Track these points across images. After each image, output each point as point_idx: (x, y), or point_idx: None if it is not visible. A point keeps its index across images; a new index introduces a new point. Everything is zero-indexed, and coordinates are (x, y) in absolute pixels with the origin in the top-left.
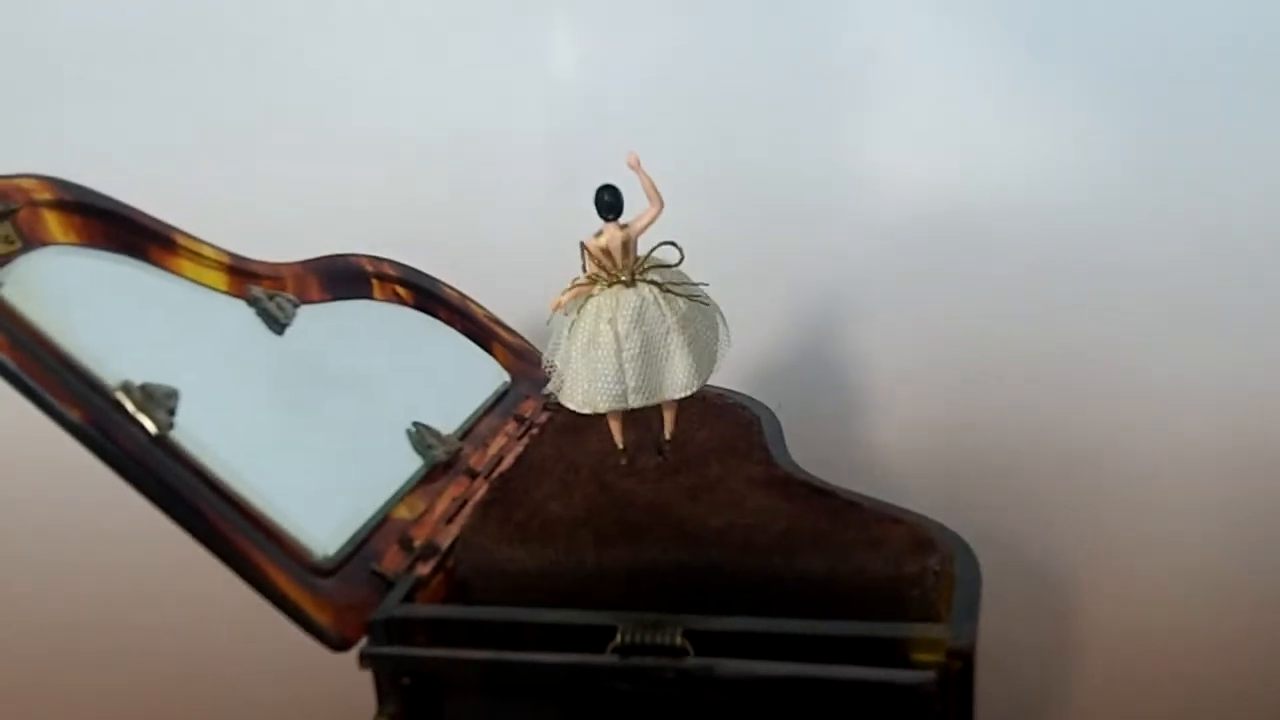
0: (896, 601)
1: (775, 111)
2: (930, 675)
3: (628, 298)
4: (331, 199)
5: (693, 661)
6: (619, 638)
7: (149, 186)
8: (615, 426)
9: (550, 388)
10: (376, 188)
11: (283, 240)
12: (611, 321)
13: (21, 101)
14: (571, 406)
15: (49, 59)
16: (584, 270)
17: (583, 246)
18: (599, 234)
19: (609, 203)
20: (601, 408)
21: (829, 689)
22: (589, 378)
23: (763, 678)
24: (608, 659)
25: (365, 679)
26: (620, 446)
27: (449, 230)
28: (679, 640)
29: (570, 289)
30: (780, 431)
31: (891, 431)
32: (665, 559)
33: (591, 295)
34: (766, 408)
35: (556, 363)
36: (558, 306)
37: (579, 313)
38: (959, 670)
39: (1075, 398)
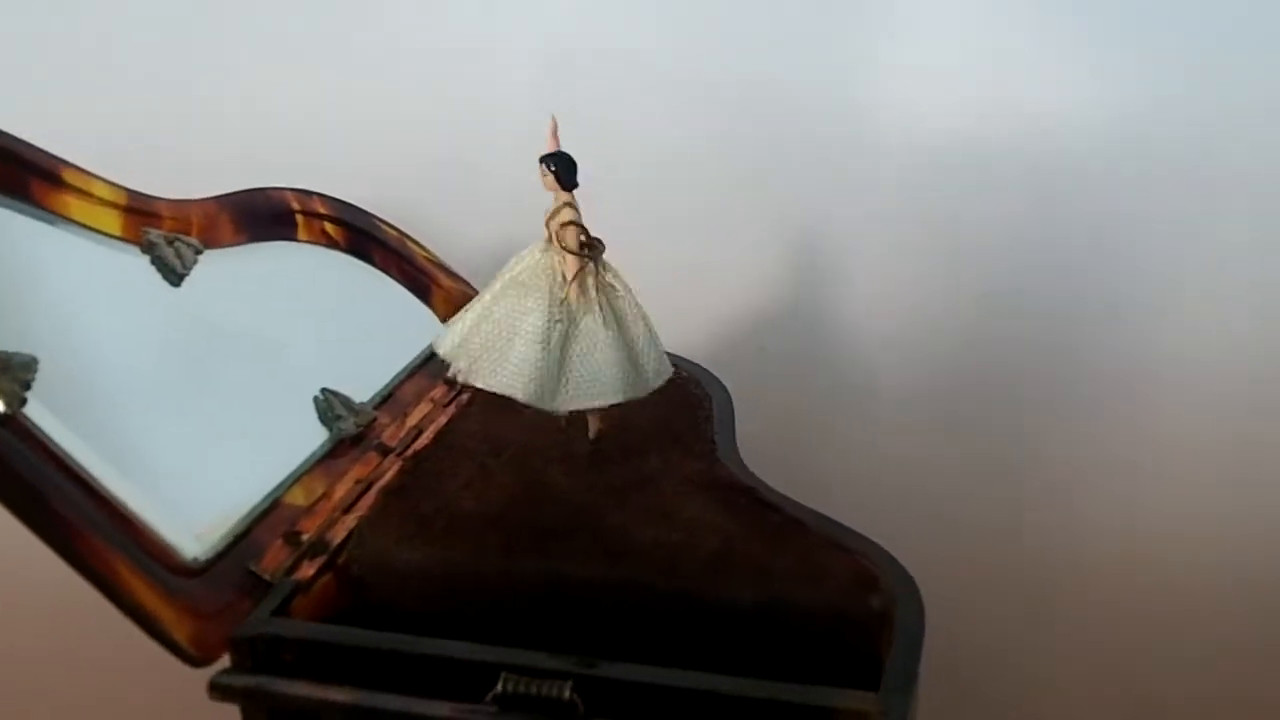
0: (833, 642)
1: (779, 47)
2: None
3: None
4: (312, 127)
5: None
6: (500, 687)
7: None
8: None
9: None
10: (343, 158)
11: (250, 172)
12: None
13: None
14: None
15: None
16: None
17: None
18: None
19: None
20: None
21: None
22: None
23: None
24: (485, 709)
25: None
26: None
27: (435, 156)
28: (567, 695)
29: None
30: (731, 415)
31: (886, 382)
32: (581, 573)
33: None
34: (721, 385)
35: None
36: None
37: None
38: None
39: (1081, 350)
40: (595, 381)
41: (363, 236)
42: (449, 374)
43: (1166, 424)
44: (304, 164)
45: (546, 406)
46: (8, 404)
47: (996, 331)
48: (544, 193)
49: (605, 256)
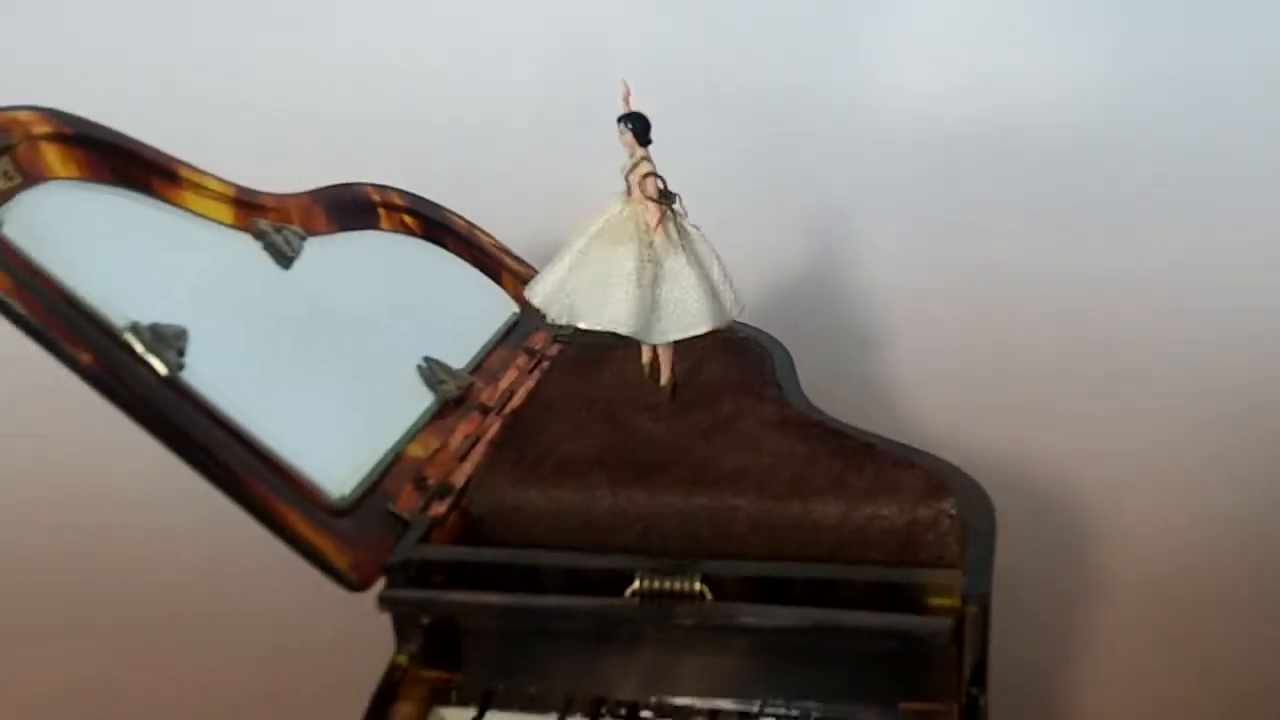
0: (911, 547)
1: (787, 32)
2: (947, 622)
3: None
4: (330, 128)
5: (711, 607)
6: (638, 583)
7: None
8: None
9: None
10: (375, 116)
11: (273, 172)
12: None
13: None
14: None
15: None
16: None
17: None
18: (647, 159)
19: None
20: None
21: (846, 634)
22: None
23: (781, 626)
24: (627, 603)
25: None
26: (660, 372)
27: (447, 161)
28: (697, 586)
29: (659, 218)
30: (793, 367)
31: (903, 355)
32: (681, 502)
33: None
34: (779, 343)
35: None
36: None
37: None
38: (974, 616)
39: (1090, 322)
40: (686, 314)
41: (436, 226)
42: (548, 320)
43: (1168, 380)
44: (317, 157)
45: (645, 339)
46: (169, 369)
47: (1005, 296)
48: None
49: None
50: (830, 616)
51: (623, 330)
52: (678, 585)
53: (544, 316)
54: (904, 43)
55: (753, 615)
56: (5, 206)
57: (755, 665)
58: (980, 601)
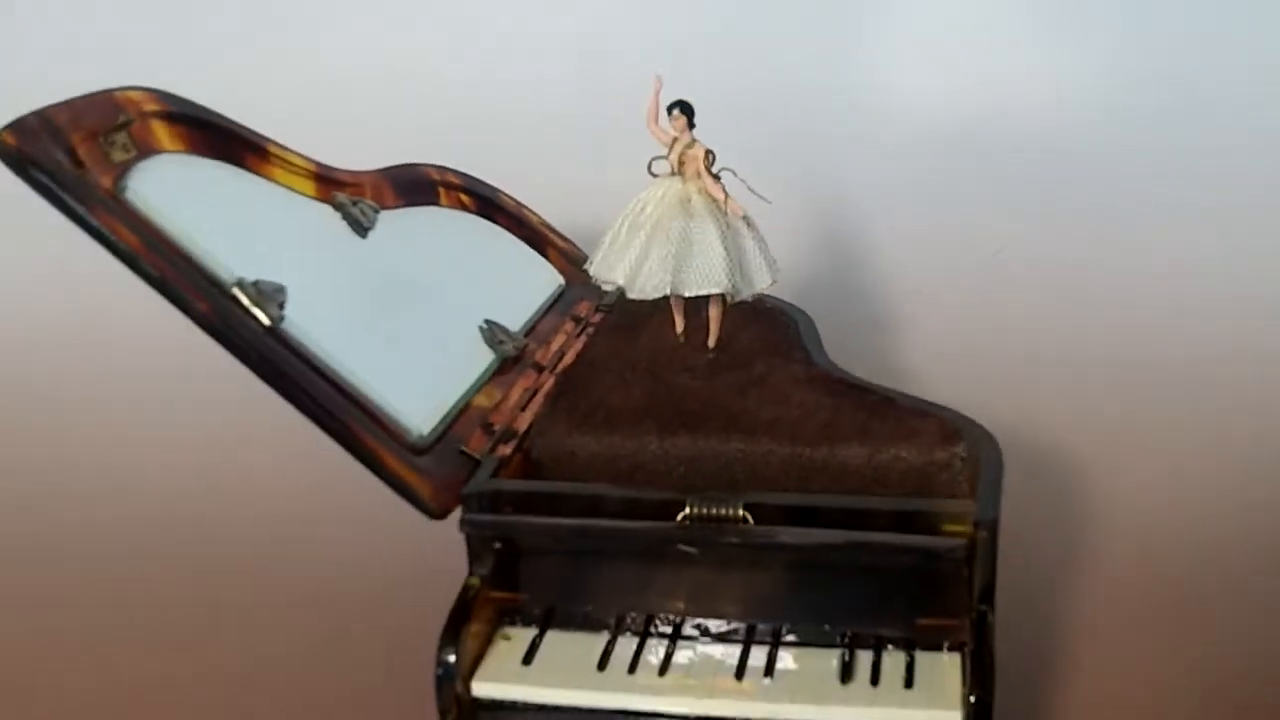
0: (927, 485)
1: (796, 36)
2: (961, 542)
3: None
4: (364, 124)
5: (753, 528)
6: (688, 509)
7: None
8: (679, 314)
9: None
10: (407, 114)
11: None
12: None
13: None
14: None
15: None
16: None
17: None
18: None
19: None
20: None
21: (872, 551)
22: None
23: (816, 543)
24: (680, 525)
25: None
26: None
27: (477, 156)
28: (741, 512)
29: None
30: (817, 334)
31: (908, 343)
32: (722, 447)
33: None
34: (803, 312)
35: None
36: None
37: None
38: (984, 539)
39: (1085, 307)
40: (758, 272)
41: (488, 204)
42: (628, 295)
43: (1165, 366)
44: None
45: (741, 295)
46: (272, 321)
47: (1005, 285)
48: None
49: None
50: (859, 535)
51: (721, 289)
52: (724, 511)
53: (621, 291)
54: (907, 45)
55: (790, 535)
56: (126, 175)
57: (789, 585)
58: (990, 527)
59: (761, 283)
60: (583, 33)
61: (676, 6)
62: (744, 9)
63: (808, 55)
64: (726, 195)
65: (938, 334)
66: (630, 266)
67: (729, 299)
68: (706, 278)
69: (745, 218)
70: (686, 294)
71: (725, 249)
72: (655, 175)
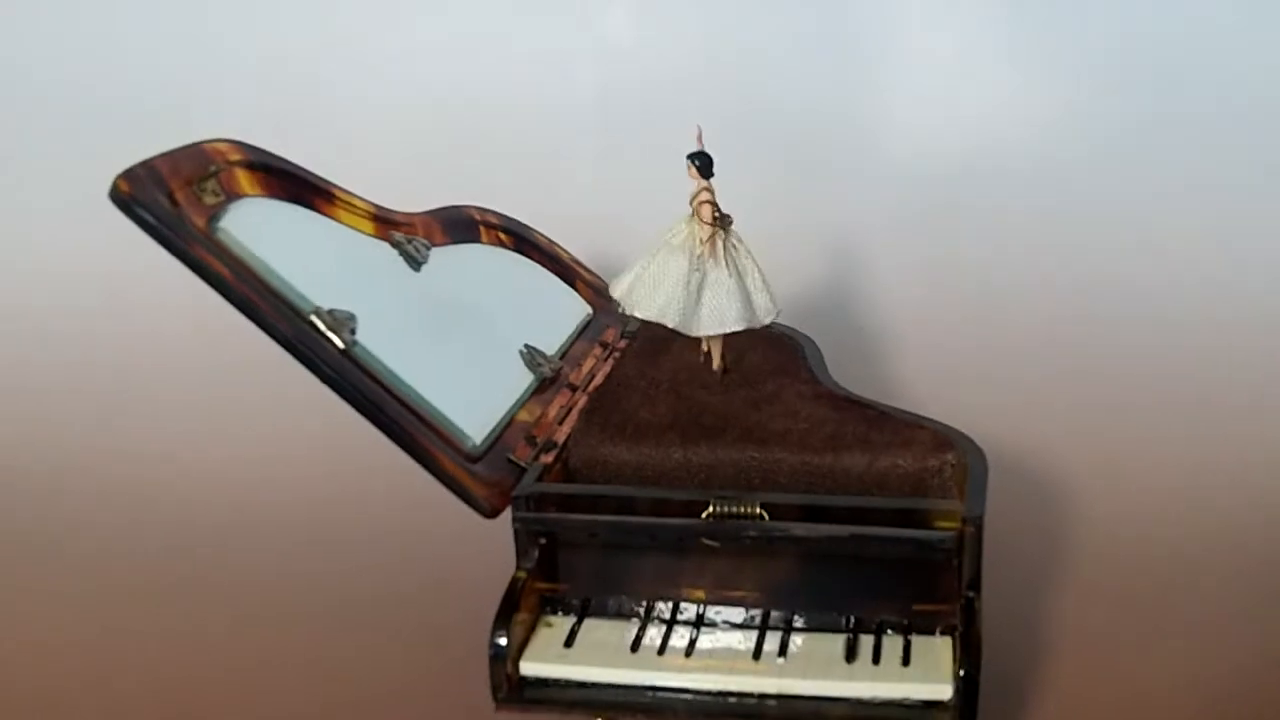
0: (921, 488)
1: (804, 77)
2: (951, 535)
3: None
4: (388, 161)
5: (769, 524)
6: (711, 508)
7: None
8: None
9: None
10: (429, 151)
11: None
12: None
13: None
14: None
15: None
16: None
17: (712, 204)
18: (707, 189)
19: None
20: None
21: (874, 542)
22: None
23: (824, 536)
24: (704, 522)
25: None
26: (712, 359)
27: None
28: (758, 509)
29: (709, 237)
30: (821, 357)
31: (905, 368)
32: (738, 455)
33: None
34: (808, 337)
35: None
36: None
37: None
38: (971, 534)
39: (1067, 333)
40: (720, 315)
41: (524, 241)
42: (619, 310)
43: (1153, 382)
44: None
45: (685, 331)
46: (345, 345)
47: (997, 312)
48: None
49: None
50: (861, 529)
51: (667, 323)
52: (742, 509)
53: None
54: (913, 84)
55: (801, 529)
56: (216, 217)
57: (799, 575)
58: (976, 523)
59: (721, 325)
60: (612, 67)
61: (690, 49)
62: (750, 48)
63: (825, 94)
64: (710, 239)
65: (931, 357)
66: (624, 286)
67: (686, 332)
68: (649, 305)
69: (736, 265)
70: (636, 315)
71: (681, 285)
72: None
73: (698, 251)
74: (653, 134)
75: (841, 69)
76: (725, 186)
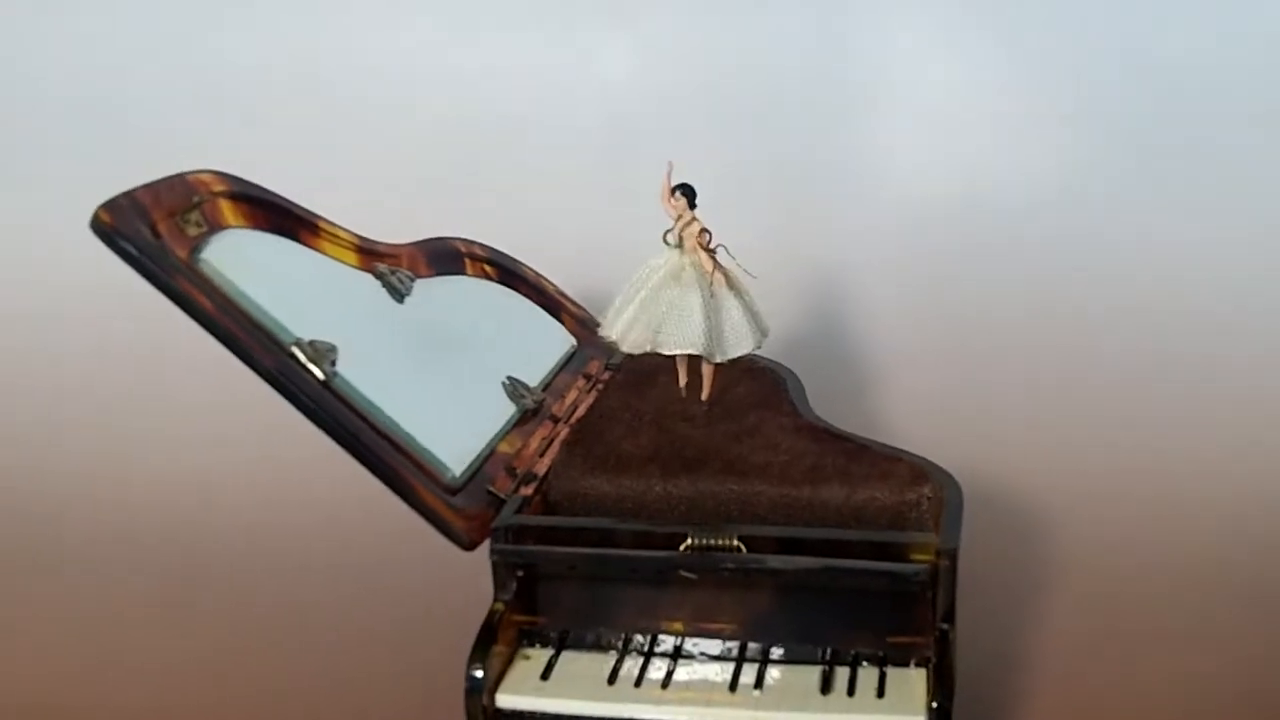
0: (898, 521)
1: (797, 119)
2: (925, 568)
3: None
4: (382, 192)
5: (746, 556)
6: (690, 540)
7: None
8: (683, 371)
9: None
10: (427, 181)
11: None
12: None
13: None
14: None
15: None
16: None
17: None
18: (696, 219)
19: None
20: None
21: (850, 575)
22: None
23: (801, 569)
24: (683, 554)
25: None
26: (702, 389)
27: (498, 225)
28: (735, 542)
29: (714, 265)
30: (803, 390)
31: (890, 403)
32: (719, 488)
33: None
34: (791, 371)
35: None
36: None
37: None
38: (946, 566)
39: (1061, 370)
40: (739, 338)
41: (509, 274)
42: (623, 350)
43: (1131, 405)
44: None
45: (711, 358)
46: (326, 376)
47: (985, 346)
48: None
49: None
50: (837, 562)
51: (697, 351)
52: (720, 541)
53: (616, 348)
54: (907, 119)
55: (778, 561)
56: (199, 248)
57: (776, 607)
58: (950, 556)
59: (744, 347)
60: (611, 101)
61: (688, 90)
62: (746, 82)
63: (806, 127)
64: (715, 267)
65: (913, 395)
66: (622, 326)
67: (711, 359)
68: (683, 339)
69: (735, 288)
70: (665, 352)
71: (704, 316)
72: (669, 244)
73: (708, 281)
74: (646, 168)
75: (836, 104)
76: (719, 220)
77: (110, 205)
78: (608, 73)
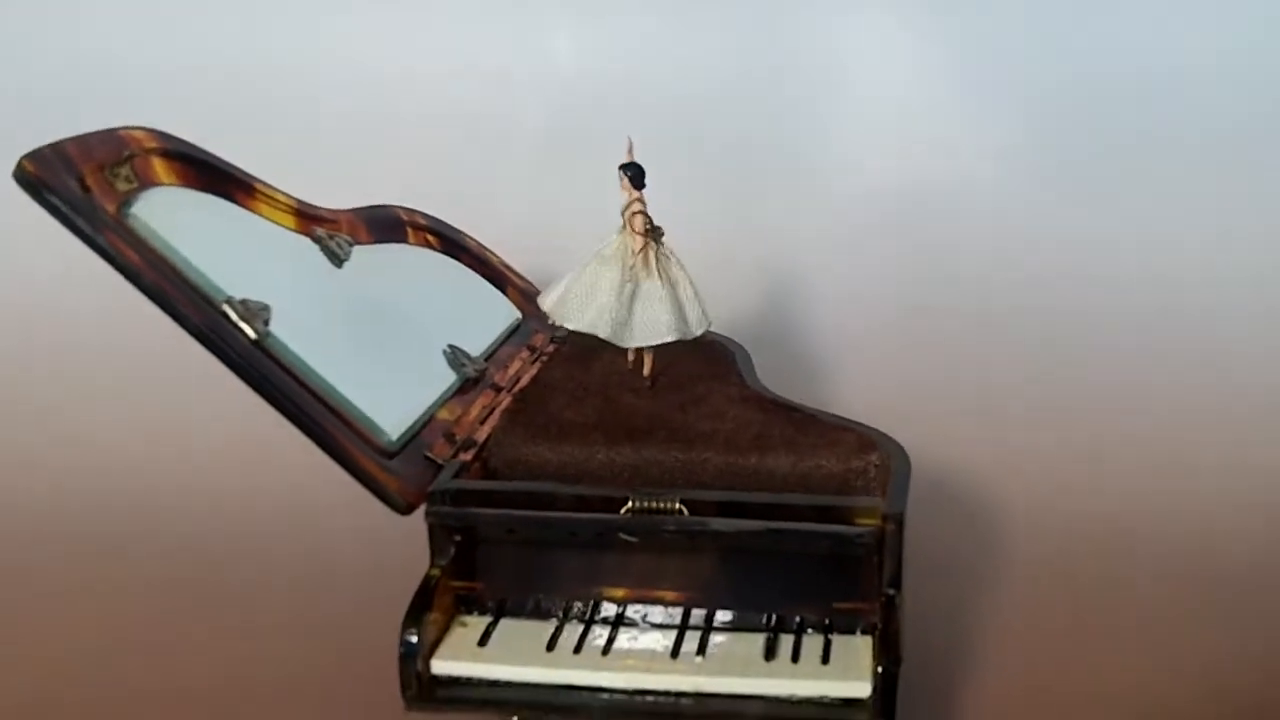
0: (846, 489)
1: (751, 107)
2: (871, 530)
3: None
4: (331, 179)
5: (688, 518)
6: (630, 503)
7: None
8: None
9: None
10: (375, 170)
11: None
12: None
13: None
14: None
15: None
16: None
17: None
18: (639, 200)
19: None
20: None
21: (794, 537)
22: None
23: (743, 531)
24: (622, 517)
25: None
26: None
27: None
28: (677, 505)
29: (640, 248)
30: (751, 363)
31: (843, 395)
32: (663, 456)
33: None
34: (739, 345)
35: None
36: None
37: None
38: (892, 531)
39: (1009, 356)
40: (652, 327)
41: (453, 244)
42: (549, 322)
43: (1089, 394)
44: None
45: (618, 342)
46: (258, 335)
47: (937, 334)
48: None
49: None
50: (782, 525)
51: (599, 334)
52: (662, 504)
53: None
54: (853, 119)
55: (721, 524)
56: (129, 203)
57: (719, 573)
58: (897, 520)
59: (656, 337)
60: (559, 88)
61: (646, 72)
62: (696, 75)
63: (757, 116)
64: (642, 250)
65: (865, 384)
66: (552, 296)
67: (618, 343)
68: (581, 318)
69: (667, 276)
70: (568, 326)
71: (613, 297)
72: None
73: (630, 262)
74: (591, 151)
75: (791, 93)
76: (665, 210)
77: (35, 155)
78: (558, 63)
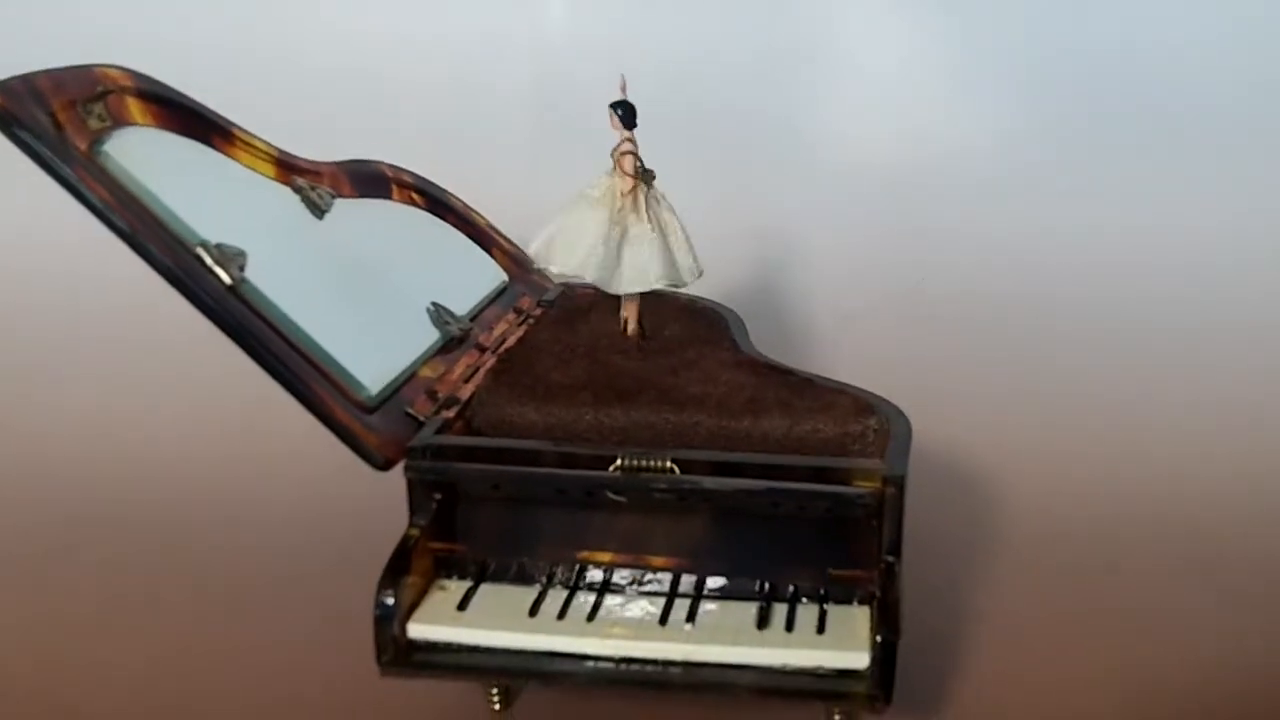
0: (842, 453)
1: (748, 77)
2: (870, 490)
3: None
4: (318, 138)
5: (680, 477)
6: (619, 461)
7: None
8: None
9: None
10: (363, 129)
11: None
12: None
13: None
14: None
15: None
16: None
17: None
18: (630, 140)
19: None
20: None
21: (789, 497)
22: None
23: (738, 490)
24: (611, 475)
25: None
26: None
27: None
28: (668, 463)
29: (630, 190)
30: (744, 329)
31: (834, 358)
32: (653, 417)
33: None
34: (732, 311)
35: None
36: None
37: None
38: (893, 494)
39: (998, 332)
40: (641, 272)
41: (438, 204)
42: (535, 266)
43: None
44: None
45: (605, 288)
46: (233, 281)
47: (927, 311)
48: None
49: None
50: (778, 484)
51: (586, 277)
52: (653, 463)
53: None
54: (848, 87)
55: (713, 482)
56: (101, 141)
57: (711, 536)
58: (897, 483)
59: (644, 283)
60: (537, 50)
61: (637, 37)
62: (701, 39)
63: (752, 90)
64: (631, 191)
65: (857, 357)
66: (540, 240)
67: (604, 288)
68: (568, 260)
69: (658, 222)
70: (552, 269)
71: (600, 240)
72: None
73: (618, 204)
74: (587, 122)
75: (784, 66)
76: (659, 181)
77: (4, 88)
78: (545, 29)
